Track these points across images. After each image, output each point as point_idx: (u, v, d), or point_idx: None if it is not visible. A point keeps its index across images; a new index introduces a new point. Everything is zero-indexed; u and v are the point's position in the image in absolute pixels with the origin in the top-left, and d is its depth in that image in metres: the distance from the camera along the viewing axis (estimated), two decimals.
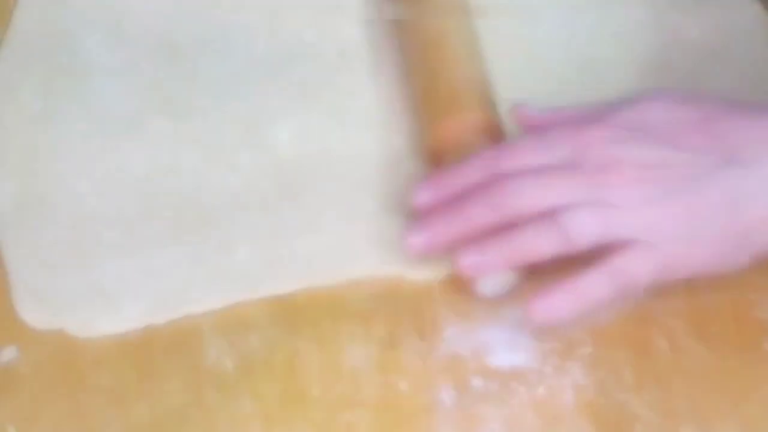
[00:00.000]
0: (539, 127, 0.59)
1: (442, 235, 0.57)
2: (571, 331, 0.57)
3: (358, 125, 0.66)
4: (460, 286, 0.58)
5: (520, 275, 0.58)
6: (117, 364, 0.57)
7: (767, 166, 0.53)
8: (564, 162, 0.55)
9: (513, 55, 0.69)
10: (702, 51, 0.69)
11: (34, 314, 0.59)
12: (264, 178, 0.64)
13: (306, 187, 0.63)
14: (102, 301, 0.59)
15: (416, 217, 0.59)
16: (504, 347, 0.57)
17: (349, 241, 0.61)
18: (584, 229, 0.54)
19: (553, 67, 0.69)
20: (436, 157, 0.62)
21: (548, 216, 0.54)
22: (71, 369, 0.57)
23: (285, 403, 0.56)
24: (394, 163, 0.64)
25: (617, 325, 0.58)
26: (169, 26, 0.71)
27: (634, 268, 0.54)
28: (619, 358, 0.57)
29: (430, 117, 0.63)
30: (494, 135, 0.61)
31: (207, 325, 0.58)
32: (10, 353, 0.58)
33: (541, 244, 0.55)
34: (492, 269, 0.57)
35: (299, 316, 0.59)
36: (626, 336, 0.57)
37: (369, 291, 0.59)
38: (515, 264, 0.57)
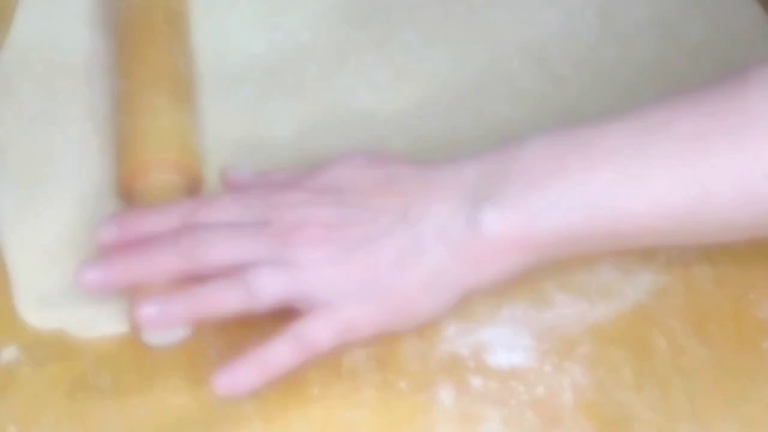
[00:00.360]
0: (242, 187, 0.60)
1: (119, 275, 0.56)
2: (571, 331, 0.57)
3: (356, 126, 0.66)
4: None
5: (192, 328, 0.57)
6: (117, 364, 0.57)
7: (437, 216, 0.54)
8: (257, 221, 0.56)
9: (512, 56, 0.69)
10: (702, 52, 0.69)
11: (34, 314, 0.59)
12: None
13: None
14: (102, 301, 0.59)
15: (98, 253, 0.58)
16: (503, 347, 0.57)
17: None
18: (267, 286, 0.54)
19: (553, 68, 0.69)
20: (127, 196, 0.62)
21: (233, 272, 0.55)
22: (72, 369, 0.57)
23: (284, 403, 0.56)
24: None
25: (616, 325, 0.58)
26: None
27: (315, 332, 0.54)
28: (618, 357, 0.56)
29: (123, 154, 0.63)
30: (187, 176, 0.61)
31: (207, 323, 0.58)
32: (10, 353, 0.58)
33: (224, 299, 0.55)
34: (172, 322, 0.56)
35: (299, 314, 0.58)
36: (625, 335, 0.57)
37: None
38: (198, 318, 0.56)
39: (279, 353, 0.55)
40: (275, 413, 0.55)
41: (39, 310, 0.59)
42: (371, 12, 0.72)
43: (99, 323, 0.59)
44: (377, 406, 0.55)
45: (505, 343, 0.57)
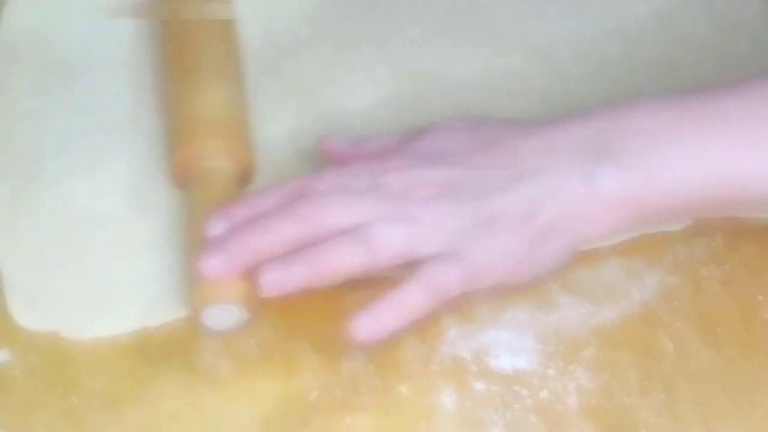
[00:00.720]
0: (342, 159, 0.61)
1: (239, 253, 0.55)
2: (575, 333, 0.57)
3: (355, 123, 0.66)
4: None
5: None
6: (111, 366, 0.57)
7: (551, 174, 0.56)
8: (366, 188, 0.57)
9: (515, 51, 0.69)
10: (708, 47, 0.69)
11: (27, 316, 0.59)
12: (261, 177, 0.63)
13: None
14: (96, 303, 0.59)
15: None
16: (506, 350, 0.57)
17: None
18: (388, 240, 0.55)
19: (556, 63, 0.68)
20: (182, 181, 0.61)
21: (353, 230, 0.55)
22: (65, 372, 0.57)
23: (283, 407, 0.55)
24: None
25: (622, 327, 0.57)
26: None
27: (444, 275, 0.55)
28: (623, 360, 0.56)
29: (176, 139, 0.62)
30: (240, 161, 0.61)
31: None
32: (2, 356, 0.57)
33: (345, 258, 0.55)
34: (293, 285, 0.55)
35: (297, 317, 0.58)
36: (631, 338, 0.57)
37: (367, 292, 0.59)
38: (318, 280, 0.56)
39: (413, 297, 0.55)
40: (273, 418, 0.55)
41: (32, 313, 0.59)
42: (371, 7, 0.71)
43: (93, 326, 0.58)
44: (377, 411, 0.55)
45: (508, 346, 0.57)
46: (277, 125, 0.66)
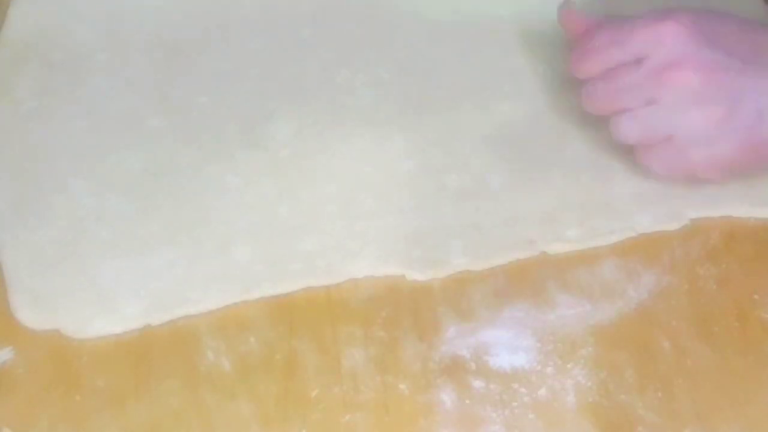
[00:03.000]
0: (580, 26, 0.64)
1: None
2: (573, 332, 0.57)
3: (356, 123, 0.66)
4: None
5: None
6: (113, 365, 0.57)
7: None
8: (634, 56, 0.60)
9: (517, 52, 0.69)
10: None
11: (30, 315, 0.59)
12: (262, 176, 0.63)
13: (305, 186, 0.63)
14: (98, 302, 0.59)
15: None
16: (505, 348, 0.57)
17: (348, 241, 0.61)
18: (627, 132, 0.60)
19: (558, 64, 0.68)
20: None
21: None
22: (67, 370, 0.57)
23: (283, 405, 0.55)
24: (394, 162, 0.64)
25: (619, 326, 0.57)
26: (166, 23, 0.71)
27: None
28: (621, 358, 0.56)
29: None
30: None
31: (204, 325, 0.58)
32: (5, 354, 0.58)
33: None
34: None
35: (298, 316, 0.58)
36: (628, 337, 0.57)
37: (369, 291, 0.59)
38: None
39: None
40: (274, 416, 0.55)
41: (35, 312, 0.59)
42: (374, 8, 0.71)
43: (95, 325, 0.58)
44: (377, 409, 0.55)
45: (507, 344, 0.57)
46: (278, 125, 0.66)
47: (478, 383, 0.55)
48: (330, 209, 0.62)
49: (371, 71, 0.69)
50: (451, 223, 0.61)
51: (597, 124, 0.63)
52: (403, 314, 0.58)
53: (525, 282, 0.58)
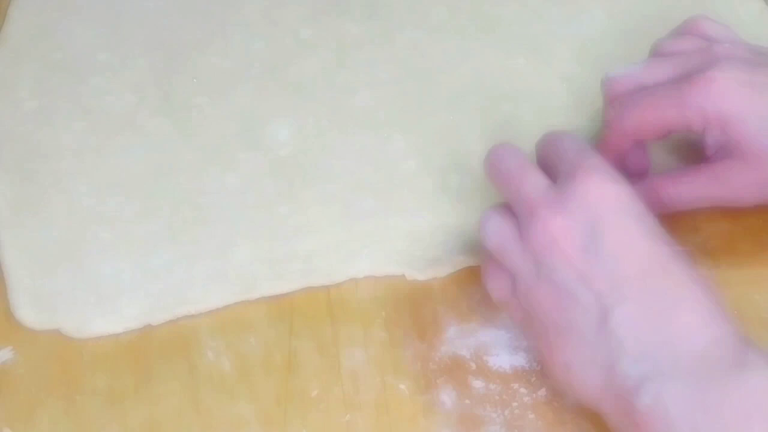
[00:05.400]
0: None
1: None
2: None
3: (357, 123, 0.66)
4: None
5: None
6: (114, 365, 0.57)
7: None
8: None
9: (518, 52, 0.69)
10: None
11: (30, 315, 0.59)
12: (262, 176, 0.63)
13: (305, 186, 0.63)
14: (98, 302, 0.59)
15: None
16: (505, 348, 0.56)
17: (348, 241, 0.61)
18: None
19: (559, 64, 0.69)
20: None
21: None
22: (67, 370, 0.57)
23: (283, 405, 0.55)
24: (394, 162, 0.64)
25: None
26: (166, 23, 0.71)
27: None
28: None
29: None
30: None
31: (204, 325, 0.58)
32: (5, 354, 0.57)
33: None
34: None
35: (298, 316, 0.58)
36: None
37: (368, 291, 0.59)
38: None
39: None
40: (274, 416, 0.55)
41: (34, 311, 0.59)
42: (374, 8, 0.71)
43: (95, 324, 0.58)
44: (377, 409, 0.55)
45: (507, 344, 0.57)
46: (278, 125, 0.66)
47: (478, 383, 0.55)
48: (330, 209, 0.62)
49: (371, 71, 0.69)
50: (451, 223, 0.61)
51: None
52: (403, 314, 0.58)
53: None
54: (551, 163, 0.53)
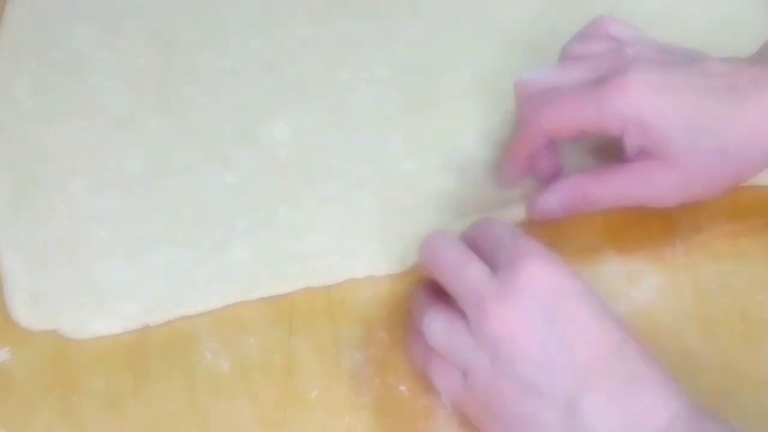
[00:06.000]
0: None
1: None
2: None
3: (356, 123, 0.66)
4: None
5: None
6: (111, 366, 0.57)
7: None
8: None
9: (519, 51, 0.69)
10: (708, 47, 0.68)
11: (27, 315, 0.59)
12: (261, 176, 0.63)
13: (304, 186, 0.63)
14: (96, 302, 0.59)
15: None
16: None
17: (348, 241, 0.60)
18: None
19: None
20: None
21: None
22: (65, 371, 0.57)
23: (282, 406, 0.55)
24: (394, 162, 0.64)
25: None
26: (164, 22, 0.71)
27: None
28: None
29: None
30: None
31: (203, 326, 0.58)
32: (2, 355, 0.57)
33: None
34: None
35: (297, 316, 0.58)
36: None
37: (369, 291, 0.59)
38: None
39: None
40: (273, 417, 0.55)
41: (32, 312, 0.59)
42: (374, 6, 0.71)
43: (93, 325, 0.58)
44: (377, 410, 0.55)
45: None
46: (278, 125, 0.66)
47: None
48: (330, 209, 0.62)
49: (371, 71, 0.68)
50: (450, 223, 0.61)
51: None
52: (404, 315, 0.58)
53: None
54: (486, 250, 0.53)
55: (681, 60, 0.57)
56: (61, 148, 0.65)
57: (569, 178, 0.59)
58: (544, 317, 0.49)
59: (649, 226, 0.60)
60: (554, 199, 0.58)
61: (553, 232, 0.59)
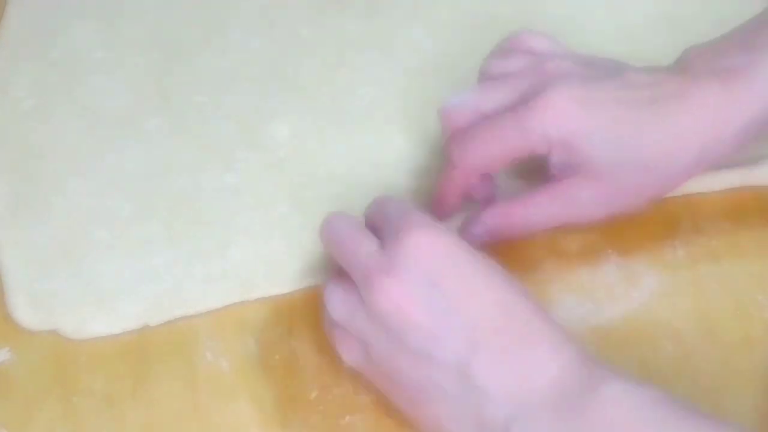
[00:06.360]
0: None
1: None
2: (574, 332, 0.56)
3: (356, 123, 0.65)
4: None
5: None
6: (111, 366, 0.57)
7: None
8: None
9: None
10: None
11: (27, 315, 0.59)
12: (261, 176, 0.63)
13: (304, 186, 0.63)
14: (96, 302, 0.59)
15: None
16: None
17: None
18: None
19: None
20: None
21: None
22: (65, 371, 0.57)
23: (282, 406, 0.55)
24: (393, 162, 0.64)
25: (621, 327, 0.57)
26: (164, 22, 0.71)
27: None
28: (623, 360, 0.56)
29: None
30: None
31: (203, 326, 0.58)
32: (2, 355, 0.57)
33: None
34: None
35: (297, 317, 0.58)
36: (631, 337, 0.57)
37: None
38: None
39: None
40: (273, 418, 0.55)
41: (32, 312, 0.59)
42: (374, 6, 0.71)
43: (93, 325, 0.58)
44: (377, 411, 0.55)
45: None
46: (278, 125, 0.66)
47: None
48: (329, 209, 0.61)
49: (371, 71, 0.68)
50: (451, 223, 0.61)
51: None
52: None
53: (525, 282, 0.57)
54: (378, 227, 0.53)
55: (602, 73, 0.57)
56: (60, 147, 0.65)
57: (495, 207, 0.59)
58: (429, 285, 0.49)
59: (649, 226, 0.60)
60: (481, 229, 0.58)
61: (553, 232, 0.59)
